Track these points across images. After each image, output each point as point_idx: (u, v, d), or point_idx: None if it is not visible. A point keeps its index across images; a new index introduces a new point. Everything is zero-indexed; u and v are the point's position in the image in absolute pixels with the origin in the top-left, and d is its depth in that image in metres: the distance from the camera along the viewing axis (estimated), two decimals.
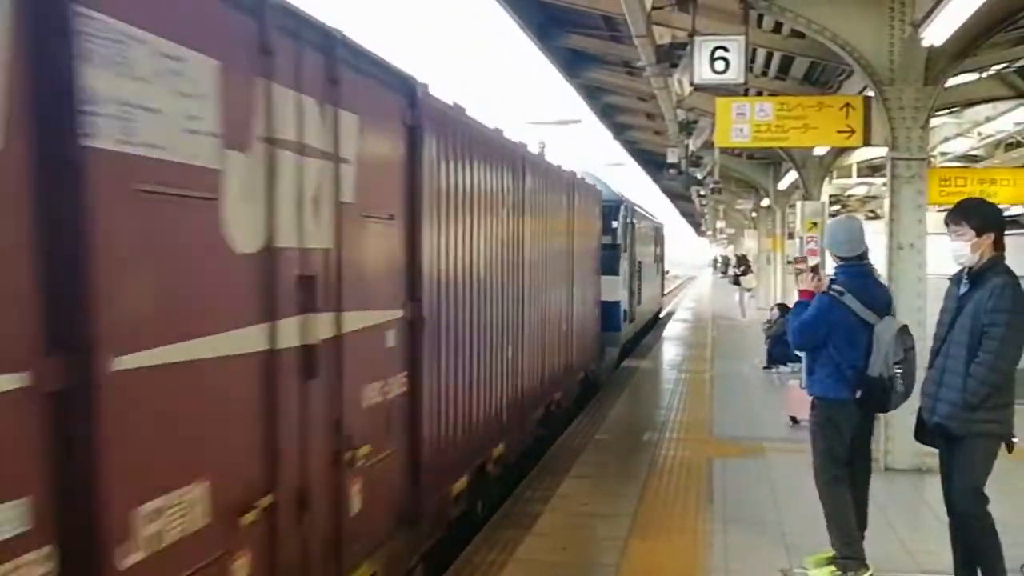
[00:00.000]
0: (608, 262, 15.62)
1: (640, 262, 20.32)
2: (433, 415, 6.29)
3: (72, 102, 2.74)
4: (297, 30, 4.22)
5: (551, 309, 10.82)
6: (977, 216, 5.05)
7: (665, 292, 35.98)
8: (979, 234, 4.99)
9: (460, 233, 6.93)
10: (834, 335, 5.84)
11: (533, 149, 10.07)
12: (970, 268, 5.03)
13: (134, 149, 3.01)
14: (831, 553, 5.89)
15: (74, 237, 2.74)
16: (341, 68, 4.61)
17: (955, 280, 5.17)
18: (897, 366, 5.62)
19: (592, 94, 20.33)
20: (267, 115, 3.90)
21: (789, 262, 21.28)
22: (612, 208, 16.45)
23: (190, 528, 3.32)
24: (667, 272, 39.18)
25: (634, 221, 19.13)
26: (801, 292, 6.15)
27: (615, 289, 16.22)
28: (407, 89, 5.71)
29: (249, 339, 3.77)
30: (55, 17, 2.69)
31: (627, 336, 18.57)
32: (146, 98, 3.06)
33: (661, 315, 30.47)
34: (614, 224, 16.54)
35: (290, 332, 4.10)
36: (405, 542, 5.66)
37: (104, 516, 2.87)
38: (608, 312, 15.61)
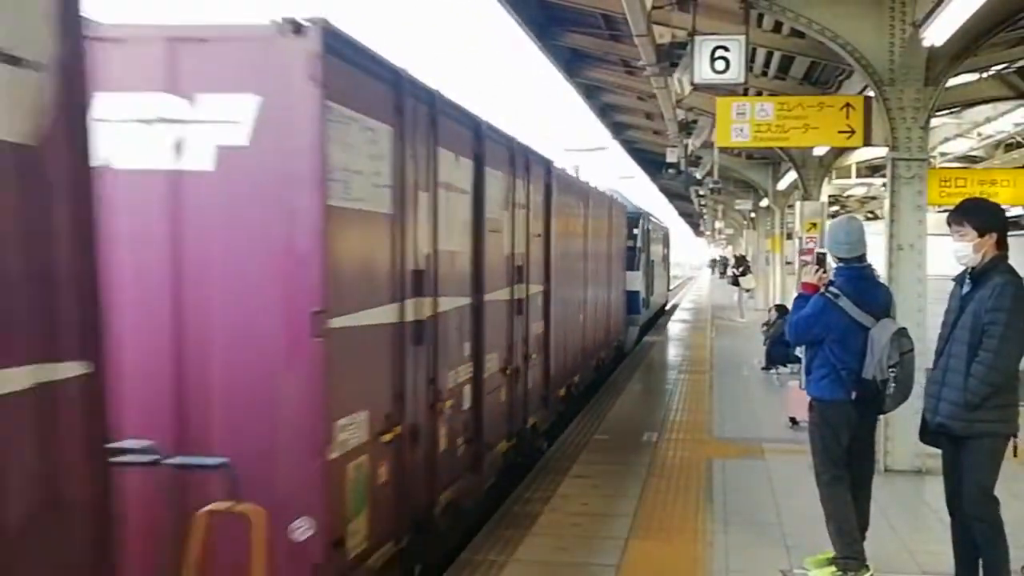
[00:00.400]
0: (630, 261, 19.95)
1: (652, 260, 24.39)
2: (553, 346, 10.41)
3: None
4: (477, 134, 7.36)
5: (600, 294, 15.04)
6: (979, 216, 5.05)
7: (670, 288, 40.49)
8: (981, 234, 4.99)
9: (564, 243, 11.15)
10: (830, 337, 5.84)
11: (569, 171, 13.16)
12: (973, 268, 5.03)
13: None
14: (831, 553, 5.88)
15: None
16: (487, 143, 7.47)
17: (959, 280, 5.17)
18: (892, 369, 5.61)
19: (591, 93, 20.33)
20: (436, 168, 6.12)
21: (788, 263, 21.26)
22: (634, 218, 21.01)
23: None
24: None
25: (649, 228, 23.61)
26: (804, 285, 6.15)
27: (636, 281, 20.56)
28: (519, 150, 8.71)
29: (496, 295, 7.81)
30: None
31: (644, 319, 22.88)
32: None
33: (667, 307, 34.80)
34: (635, 231, 20.93)
35: (504, 294, 8.16)
36: (543, 416, 10.00)
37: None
38: (631, 299, 19.98)
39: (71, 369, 2.01)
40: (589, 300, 13.72)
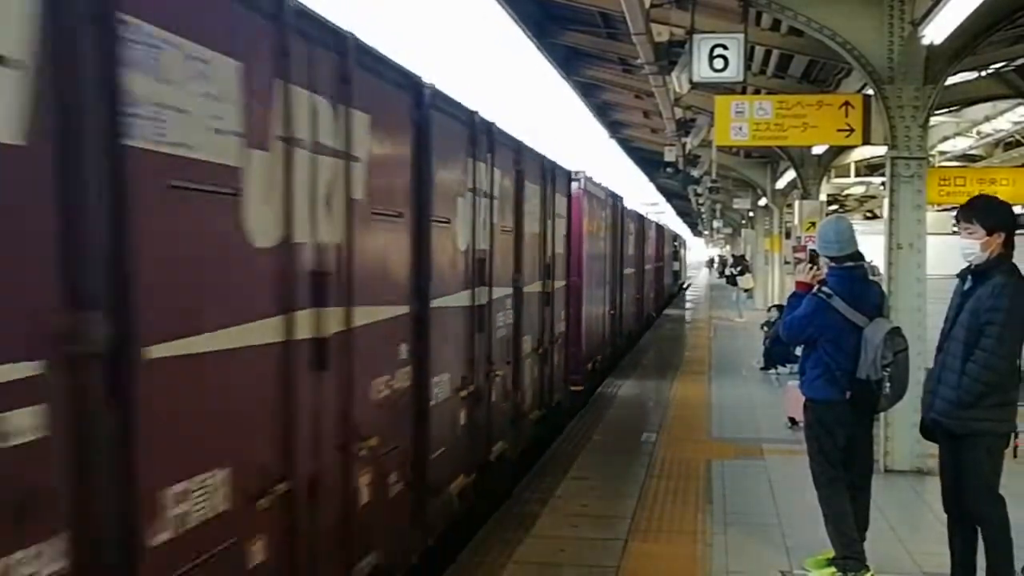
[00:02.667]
0: (675, 257, 47.49)
1: (680, 256, 53.39)
2: (583, 329, 12.91)
3: None
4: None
5: (648, 279, 26.02)
6: (990, 216, 5.04)
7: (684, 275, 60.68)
8: (990, 233, 4.98)
9: (649, 247, 23.86)
10: (823, 337, 5.84)
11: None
12: (975, 265, 5.00)
13: None
14: (831, 554, 5.85)
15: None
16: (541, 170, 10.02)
17: (961, 276, 5.15)
18: (886, 369, 5.59)
19: (588, 92, 20.30)
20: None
21: (787, 262, 21.24)
22: (672, 236, 44.63)
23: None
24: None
25: (676, 242, 49.80)
26: (798, 283, 6.14)
27: (677, 266, 48.89)
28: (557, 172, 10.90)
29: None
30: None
31: (677, 285, 48.87)
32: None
33: (684, 285, 56.34)
34: (675, 244, 48.24)
35: (536, 286, 9.56)
36: (568, 394, 11.88)
37: None
38: (674, 274, 46.60)
39: None
40: (627, 285, 19.83)
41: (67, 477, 2.63)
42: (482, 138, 7.28)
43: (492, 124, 7.55)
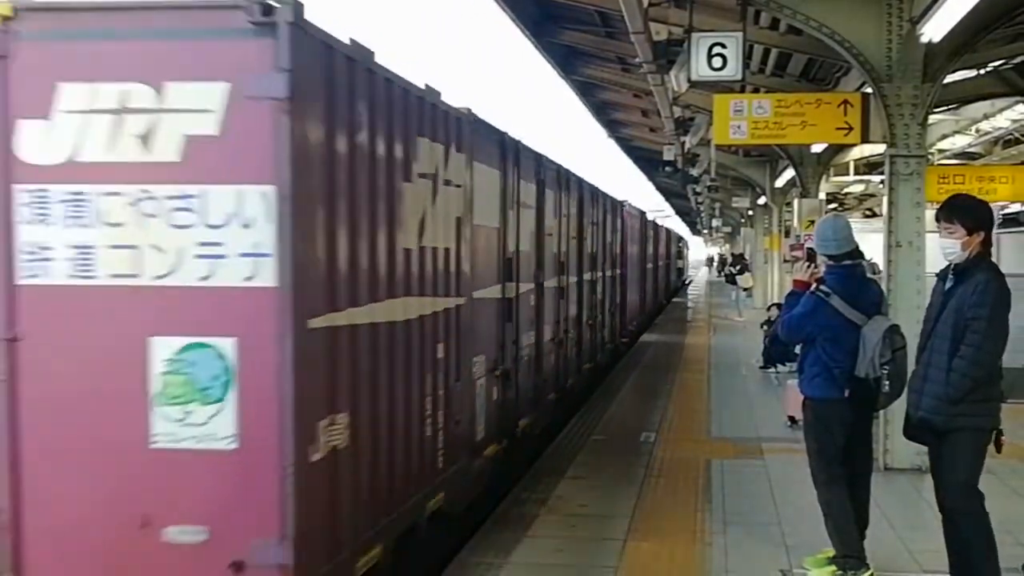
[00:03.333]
0: (679, 256, 52.55)
1: (684, 255, 61.26)
2: (627, 302, 18.62)
3: None
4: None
5: (660, 273, 31.81)
6: (969, 216, 5.06)
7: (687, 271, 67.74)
8: (970, 232, 5.00)
9: (657, 249, 28.63)
10: (822, 336, 5.83)
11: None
12: (956, 264, 5.01)
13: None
14: (831, 552, 5.85)
15: None
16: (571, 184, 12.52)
17: (941, 275, 5.18)
18: (884, 367, 5.59)
19: (586, 91, 20.28)
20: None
21: (787, 261, 21.24)
22: (677, 238, 51.34)
23: None
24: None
25: (680, 243, 55.93)
26: (796, 282, 6.13)
27: (680, 263, 54.74)
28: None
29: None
30: None
31: (681, 280, 55.07)
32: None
33: (686, 280, 61.82)
34: (680, 244, 54.60)
35: (573, 278, 11.89)
36: (613, 353, 16.54)
37: None
38: (679, 270, 52.45)
39: None
40: (661, 268, 29.73)
41: None
42: (552, 179, 10.35)
43: (590, 185, 12.89)
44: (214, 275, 4.18)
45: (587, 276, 12.94)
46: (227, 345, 4.16)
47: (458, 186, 6.64)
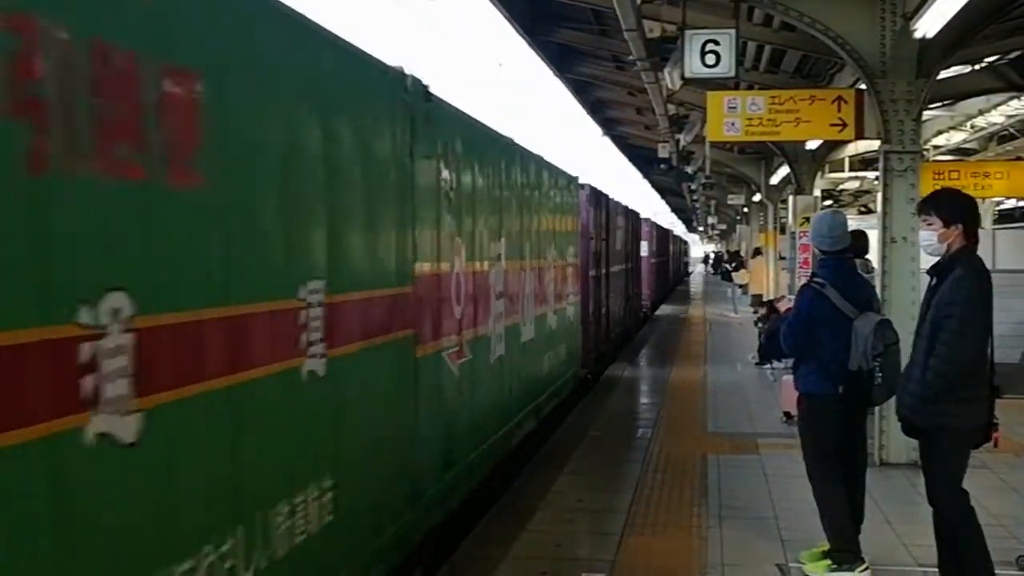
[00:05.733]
0: (684, 254, 74.56)
1: (688, 253, 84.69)
2: (643, 290, 26.86)
3: None
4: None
5: (672, 267, 48.19)
6: (945, 207, 5.02)
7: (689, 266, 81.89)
8: (947, 224, 4.95)
9: (658, 249, 34.02)
10: (818, 329, 5.85)
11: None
12: (939, 260, 5.01)
13: None
14: (826, 547, 5.87)
15: None
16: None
17: (930, 272, 5.14)
18: (876, 360, 5.59)
19: (581, 89, 20.31)
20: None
21: (782, 257, 21.28)
22: (684, 241, 74.78)
23: None
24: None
25: (683, 244, 73.05)
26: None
27: (688, 258, 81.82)
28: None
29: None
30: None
31: (684, 273, 70.84)
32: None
33: (689, 272, 74.87)
34: (684, 245, 76.03)
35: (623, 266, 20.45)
36: (625, 333, 21.16)
37: None
38: (685, 265, 74.51)
39: None
40: (665, 271, 38.01)
41: None
42: (622, 211, 19.35)
43: (634, 211, 22.12)
44: None
45: (629, 265, 21.06)
46: None
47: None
